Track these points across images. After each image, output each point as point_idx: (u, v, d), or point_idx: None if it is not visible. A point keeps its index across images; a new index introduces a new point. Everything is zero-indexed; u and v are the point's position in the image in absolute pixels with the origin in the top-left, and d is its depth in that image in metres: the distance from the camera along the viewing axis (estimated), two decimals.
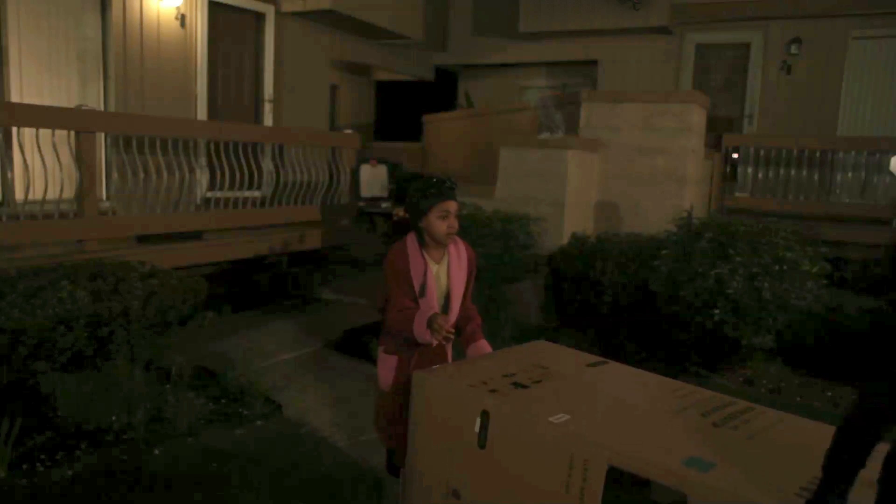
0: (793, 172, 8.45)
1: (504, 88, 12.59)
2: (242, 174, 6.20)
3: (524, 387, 2.34)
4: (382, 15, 9.87)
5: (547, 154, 6.80)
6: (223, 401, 4.00)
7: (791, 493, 1.73)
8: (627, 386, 2.51)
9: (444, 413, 2.38)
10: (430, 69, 12.90)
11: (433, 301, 2.70)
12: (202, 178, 6.48)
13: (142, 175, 5.48)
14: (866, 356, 4.41)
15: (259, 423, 3.79)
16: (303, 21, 9.32)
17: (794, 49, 9.90)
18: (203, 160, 6.42)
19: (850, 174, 8.43)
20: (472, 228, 5.34)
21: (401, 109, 12.89)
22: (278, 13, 8.99)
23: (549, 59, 12.04)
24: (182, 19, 7.81)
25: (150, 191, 5.59)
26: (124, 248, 5.23)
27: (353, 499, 3.06)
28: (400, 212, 6.54)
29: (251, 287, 6.44)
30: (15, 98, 6.45)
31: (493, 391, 2.28)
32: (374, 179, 8.49)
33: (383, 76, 12.97)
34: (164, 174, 5.62)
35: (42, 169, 4.80)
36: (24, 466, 3.16)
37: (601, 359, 2.76)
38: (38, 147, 4.73)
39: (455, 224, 2.70)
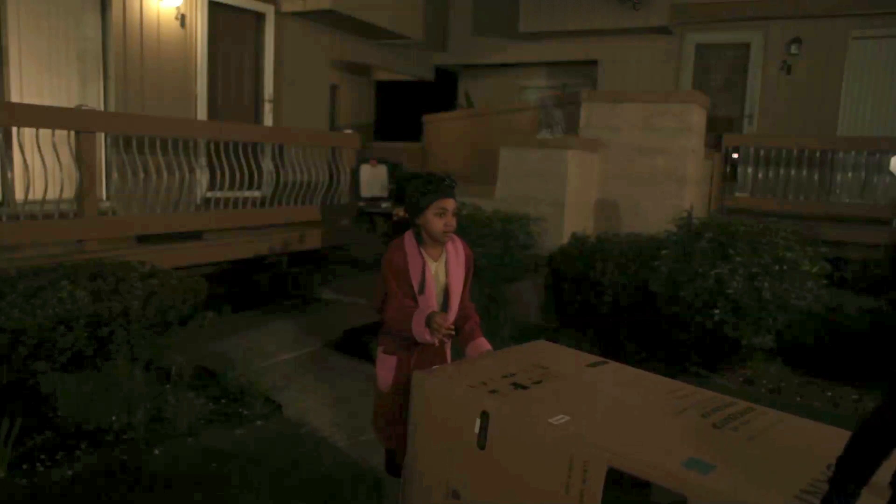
0: (793, 172, 8.45)
1: (504, 88, 12.59)
2: (242, 174, 6.20)
3: (524, 387, 2.34)
4: (382, 15, 9.87)
5: (547, 154, 6.80)
6: (223, 401, 3.99)
7: (791, 496, 1.73)
8: (627, 386, 2.51)
9: (444, 413, 2.38)
10: (430, 69, 12.90)
11: (432, 299, 2.70)
12: (202, 178, 6.48)
13: (142, 175, 5.48)
14: (875, 357, 4.43)
15: (259, 423, 3.79)
16: (303, 21, 9.32)
17: (794, 49, 9.90)
18: (203, 160, 6.41)
19: (850, 174, 8.44)
20: (472, 228, 5.34)
21: (401, 109, 12.89)
22: (278, 13, 8.99)
23: (549, 59, 12.04)
24: (182, 19, 7.82)
25: (150, 191, 5.59)
26: (124, 248, 5.23)
27: (353, 499, 3.06)
28: (400, 212, 6.56)
29: (251, 287, 6.43)
30: (15, 98, 6.45)
31: (492, 392, 2.28)
32: (374, 179, 8.49)
33: (383, 76, 12.97)
34: (164, 174, 5.62)
35: (42, 169, 4.80)
36: (24, 466, 3.16)
37: (601, 359, 2.76)
38: (38, 147, 4.72)
39: (452, 223, 2.68)
